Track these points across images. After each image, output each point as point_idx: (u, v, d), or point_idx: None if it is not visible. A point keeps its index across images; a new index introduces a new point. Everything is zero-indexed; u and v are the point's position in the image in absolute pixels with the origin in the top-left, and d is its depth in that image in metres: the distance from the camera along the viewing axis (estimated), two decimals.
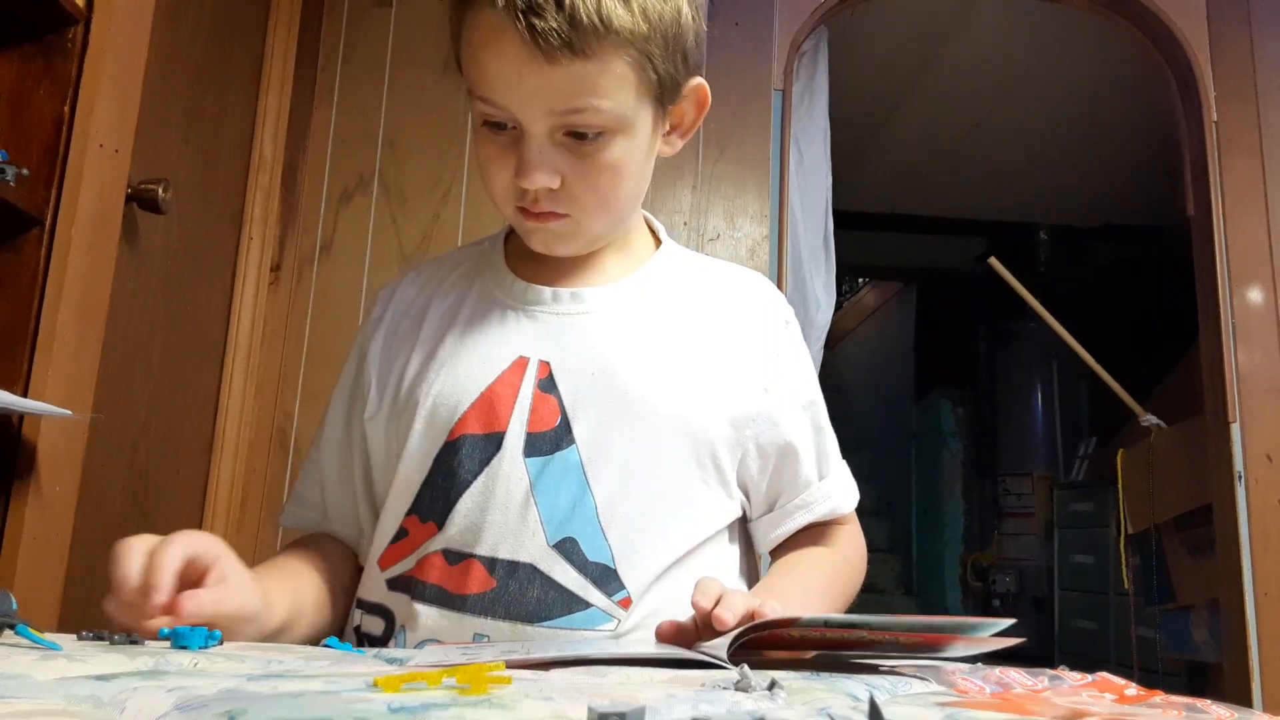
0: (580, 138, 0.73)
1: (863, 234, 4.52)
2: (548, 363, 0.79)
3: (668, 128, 0.81)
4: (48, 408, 0.96)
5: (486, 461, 0.77)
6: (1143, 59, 2.39)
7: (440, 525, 0.77)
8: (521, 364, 0.79)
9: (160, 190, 1.28)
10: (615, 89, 0.72)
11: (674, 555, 0.77)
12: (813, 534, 0.88)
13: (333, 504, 0.88)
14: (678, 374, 0.80)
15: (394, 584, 0.79)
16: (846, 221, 2.56)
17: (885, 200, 4.48)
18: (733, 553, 0.85)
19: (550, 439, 0.77)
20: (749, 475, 0.85)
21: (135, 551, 0.63)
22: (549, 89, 0.70)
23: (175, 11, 1.39)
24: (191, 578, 0.64)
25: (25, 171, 0.99)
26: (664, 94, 0.76)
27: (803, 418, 0.87)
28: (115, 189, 1.13)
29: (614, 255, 0.86)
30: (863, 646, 0.57)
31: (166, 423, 1.49)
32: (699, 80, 0.81)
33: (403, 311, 0.88)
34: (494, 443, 0.77)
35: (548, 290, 0.83)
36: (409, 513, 0.79)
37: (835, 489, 0.89)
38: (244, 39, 1.75)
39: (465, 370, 0.80)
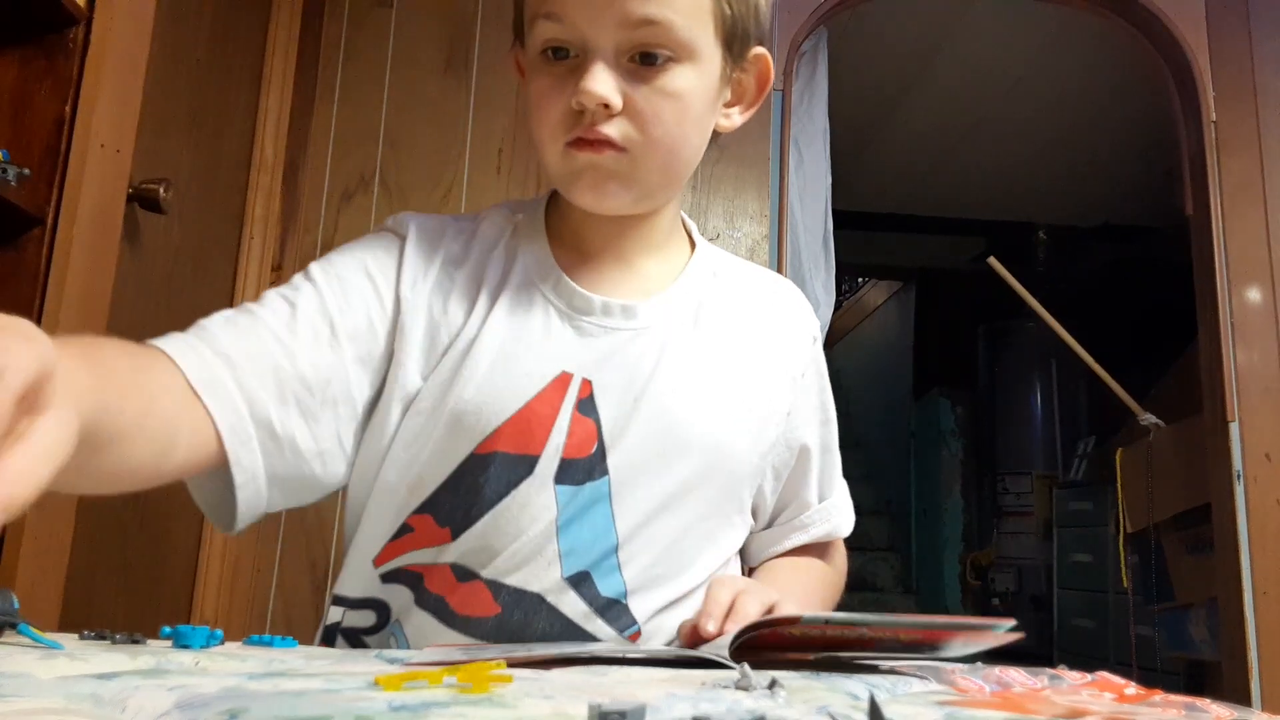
0: (649, 63, 0.69)
1: (862, 233, 4.53)
2: (590, 382, 0.74)
3: (729, 97, 0.77)
4: None
5: (515, 484, 0.72)
6: (1141, 59, 2.39)
7: (454, 536, 0.73)
8: (564, 380, 0.74)
9: (161, 190, 1.28)
10: (690, 9, 0.69)
11: (687, 588, 0.76)
12: (803, 548, 0.88)
13: (253, 387, 0.67)
14: (716, 404, 0.77)
15: (391, 577, 0.75)
16: (846, 221, 2.57)
17: (885, 200, 4.47)
18: (736, 569, 0.85)
19: (584, 467, 0.73)
20: (761, 498, 0.85)
21: None
22: None
23: (176, 11, 1.39)
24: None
25: (26, 171, 0.99)
26: (734, 41, 0.73)
27: (815, 438, 0.86)
28: (116, 188, 1.13)
29: (653, 259, 0.82)
30: (863, 645, 0.57)
31: None
32: (763, 50, 0.78)
33: (433, 283, 0.77)
34: (526, 465, 0.72)
35: (598, 300, 0.76)
36: (420, 510, 0.74)
37: (835, 511, 0.89)
38: (245, 39, 1.75)
39: (506, 381, 0.73)
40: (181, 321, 0.70)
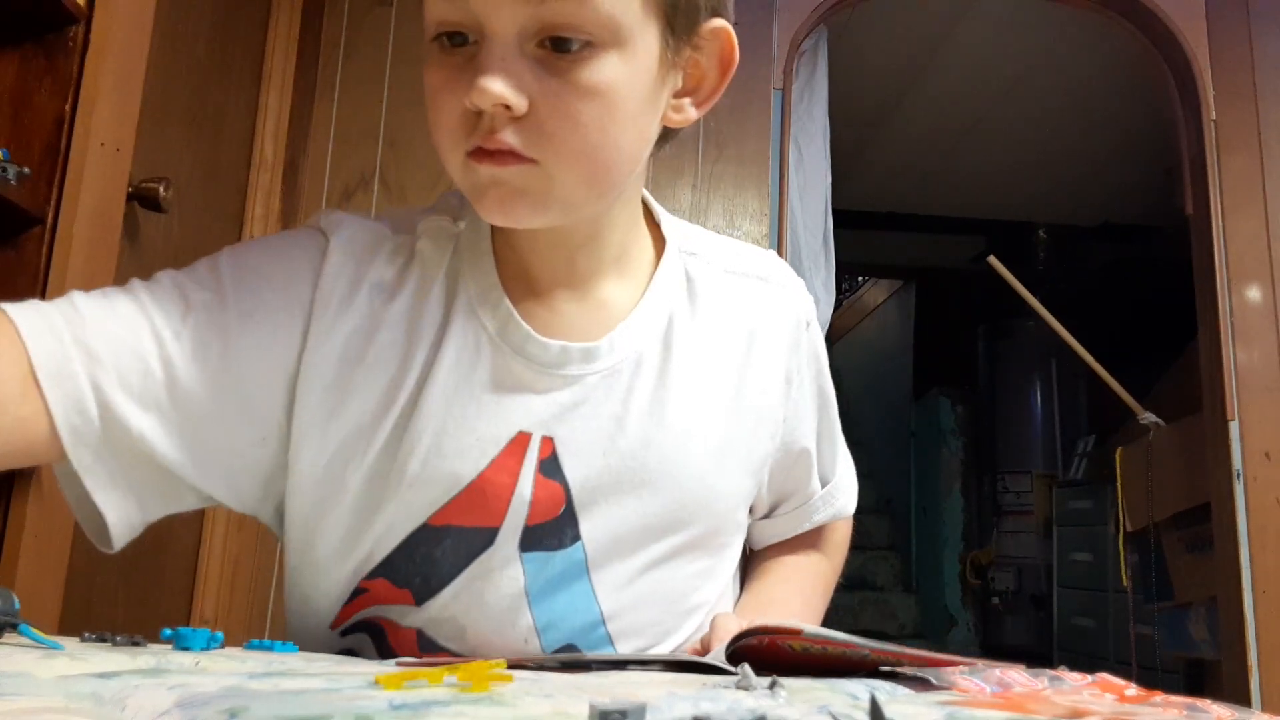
0: (561, 50, 0.55)
1: (862, 232, 4.53)
2: (551, 439, 0.65)
3: (680, 84, 0.63)
4: None
5: (474, 555, 0.64)
6: (1141, 58, 2.40)
7: (417, 601, 0.66)
8: (522, 442, 0.64)
9: (161, 189, 1.29)
10: None
11: (689, 632, 0.71)
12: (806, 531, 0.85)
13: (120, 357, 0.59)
14: (698, 445, 0.68)
15: (353, 629, 0.69)
16: (846, 220, 2.57)
17: (885, 199, 4.48)
18: (733, 591, 0.80)
19: (553, 532, 0.65)
20: (759, 498, 0.79)
21: None
22: None
23: (176, 10, 1.39)
24: None
25: (26, 170, 0.99)
26: (675, 17, 0.59)
27: (813, 427, 0.79)
28: (116, 187, 1.13)
29: (611, 280, 0.69)
30: (863, 666, 0.55)
31: None
32: (722, 22, 0.62)
33: (382, 300, 0.66)
34: (484, 537, 0.64)
35: (554, 346, 0.65)
36: (372, 575, 0.67)
37: (839, 493, 0.84)
38: (245, 37, 1.75)
39: (455, 448, 0.63)
40: None
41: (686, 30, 0.61)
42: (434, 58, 0.59)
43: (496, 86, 0.54)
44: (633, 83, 0.58)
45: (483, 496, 0.64)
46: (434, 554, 0.65)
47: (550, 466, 0.65)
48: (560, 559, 0.65)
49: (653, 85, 0.60)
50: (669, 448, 0.67)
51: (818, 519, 0.83)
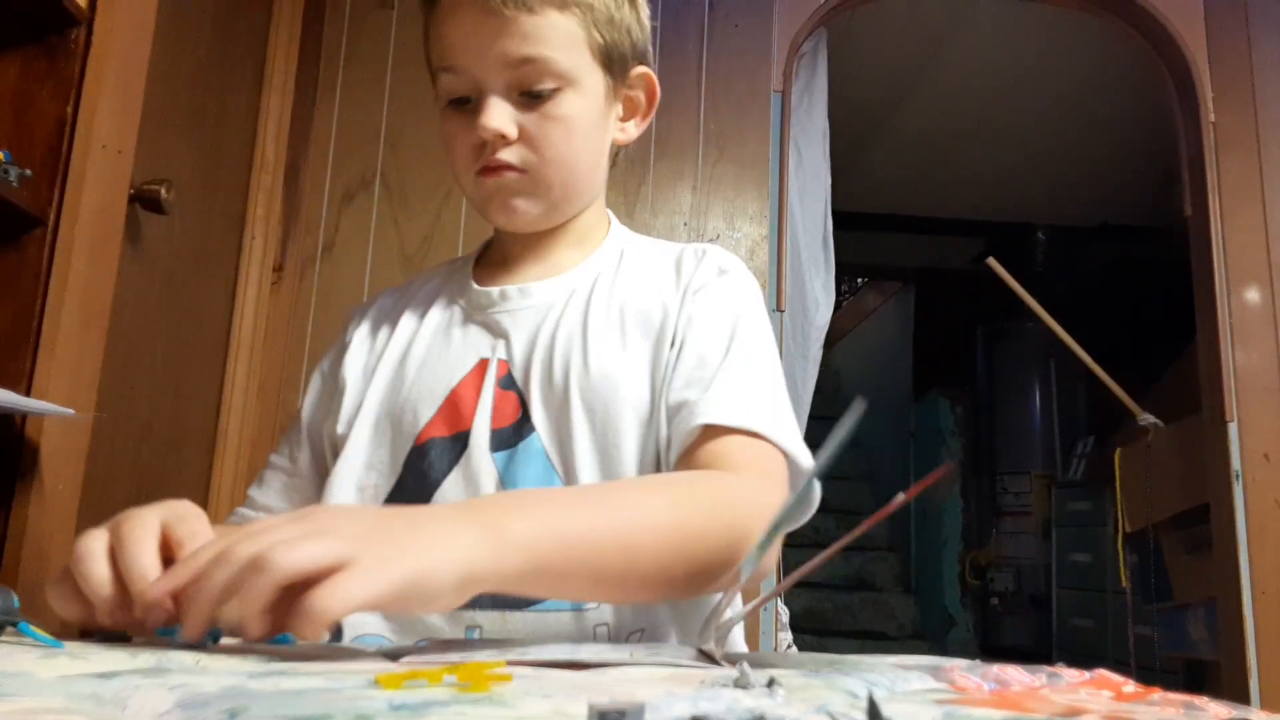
0: (536, 97, 0.79)
1: (862, 234, 4.53)
2: (506, 361, 0.83)
3: (621, 112, 0.88)
4: (50, 407, 0.97)
5: (456, 460, 0.79)
6: (1141, 59, 2.40)
7: None
8: (483, 366, 0.83)
9: (163, 190, 1.29)
10: (564, 44, 0.79)
11: None
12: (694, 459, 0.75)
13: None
14: (620, 355, 0.81)
15: None
16: (845, 222, 2.57)
17: (884, 200, 4.48)
18: None
19: (513, 431, 0.80)
20: (662, 402, 0.79)
21: (98, 550, 0.54)
22: (502, 42, 0.78)
23: (178, 13, 1.39)
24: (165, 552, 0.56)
25: (28, 172, 0.99)
26: (612, 64, 0.84)
27: (708, 334, 0.80)
28: (118, 189, 1.13)
29: (568, 251, 0.90)
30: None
31: (169, 422, 1.50)
32: (646, 69, 0.89)
33: (369, 331, 0.92)
34: (461, 441, 0.80)
35: (496, 290, 0.86)
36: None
37: (726, 402, 0.75)
38: (246, 39, 1.76)
39: (430, 377, 0.84)
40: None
41: (621, 74, 0.86)
42: (448, 115, 0.83)
43: (496, 122, 0.79)
44: (587, 112, 0.83)
45: (455, 408, 0.81)
46: (422, 468, 0.80)
47: (507, 381, 0.83)
48: (523, 449, 0.79)
49: (602, 110, 0.85)
50: (592, 359, 0.82)
51: (697, 421, 0.74)
